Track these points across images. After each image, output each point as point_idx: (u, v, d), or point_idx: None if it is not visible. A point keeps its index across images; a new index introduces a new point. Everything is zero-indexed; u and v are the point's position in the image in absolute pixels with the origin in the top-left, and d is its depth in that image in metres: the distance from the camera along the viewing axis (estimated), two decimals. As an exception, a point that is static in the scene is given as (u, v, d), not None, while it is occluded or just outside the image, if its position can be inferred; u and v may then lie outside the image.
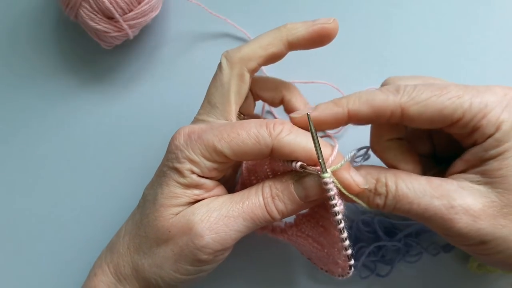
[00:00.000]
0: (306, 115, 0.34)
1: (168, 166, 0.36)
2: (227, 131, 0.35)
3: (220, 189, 0.37)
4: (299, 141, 0.34)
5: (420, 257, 0.45)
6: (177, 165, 0.36)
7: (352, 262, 0.35)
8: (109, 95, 0.50)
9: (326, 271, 0.40)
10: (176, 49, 0.50)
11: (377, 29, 0.48)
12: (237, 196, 0.36)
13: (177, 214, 0.36)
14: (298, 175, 0.35)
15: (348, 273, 0.36)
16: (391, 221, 0.45)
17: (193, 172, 0.35)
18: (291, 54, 0.48)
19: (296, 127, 0.35)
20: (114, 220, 0.43)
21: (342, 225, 0.34)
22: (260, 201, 0.35)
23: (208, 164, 0.35)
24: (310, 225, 0.39)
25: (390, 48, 0.48)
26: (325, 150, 0.34)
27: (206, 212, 0.35)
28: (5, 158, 0.49)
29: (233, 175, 0.42)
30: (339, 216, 0.34)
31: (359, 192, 0.35)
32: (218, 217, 0.35)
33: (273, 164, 0.37)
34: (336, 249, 0.37)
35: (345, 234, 0.34)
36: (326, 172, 0.33)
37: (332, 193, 0.33)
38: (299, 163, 0.34)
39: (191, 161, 0.35)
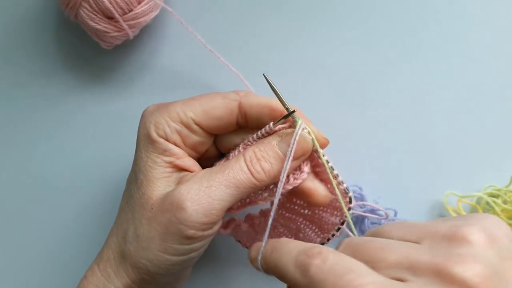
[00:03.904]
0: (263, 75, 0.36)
1: (138, 139, 0.37)
2: (194, 97, 0.38)
3: (191, 161, 0.38)
4: (265, 96, 0.36)
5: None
6: (144, 131, 0.37)
7: (351, 193, 0.36)
8: (109, 95, 0.50)
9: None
10: (176, 49, 0.49)
11: (377, 30, 0.48)
12: (217, 167, 0.36)
13: (159, 189, 0.36)
14: (279, 136, 0.36)
15: (350, 209, 0.37)
16: None
17: (159, 135, 0.36)
18: (289, 56, 0.48)
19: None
20: (114, 220, 0.43)
21: (330, 164, 0.36)
22: (242, 165, 0.35)
23: (173, 124, 0.36)
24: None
25: (390, 48, 0.48)
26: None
27: (186, 186, 0.34)
28: (5, 158, 0.50)
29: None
30: (326, 157, 0.36)
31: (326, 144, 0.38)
32: (199, 188, 0.34)
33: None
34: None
35: (336, 171, 0.36)
36: (299, 119, 0.35)
37: (312, 136, 0.35)
38: (271, 123, 0.36)
39: (156, 123, 0.36)
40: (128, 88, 0.50)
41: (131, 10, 0.44)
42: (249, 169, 0.35)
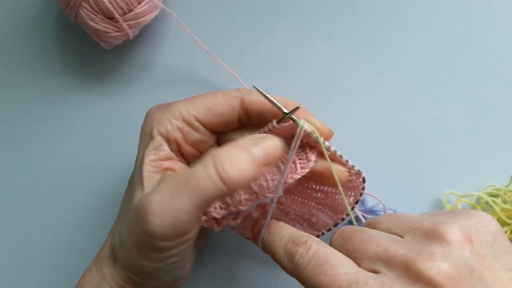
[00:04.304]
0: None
1: (140, 137, 0.38)
2: (197, 95, 0.38)
3: (178, 163, 0.37)
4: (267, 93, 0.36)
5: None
6: (146, 129, 0.37)
7: (364, 174, 0.38)
8: (109, 95, 0.50)
9: (328, 230, 0.42)
10: (176, 49, 0.50)
11: (378, 29, 0.48)
12: (182, 173, 0.32)
13: (140, 189, 0.35)
14: (254, 140, 0.32)
15: (363, 188, 0.38)
16: None
17: (159, 132, 0.36)
18: (287, 57, 0.48)
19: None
20: (115, 220, 0.43)
21: (339, 152, 0.36)
22: (208, 171, 0.30)
23: (174, 122, 0.36)
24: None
25: (390, 47, 0.48)
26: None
27: (148, 197, 0.31)
28: (5, 158, 0.50)
29: None
30: (333, 148, 0.36)
31: (330, 135, 0.37)
32: (161, 199, 0.31)
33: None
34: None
35: (345, 158, 0.37)
36: (299, 119, 0.35)
37: (311, 132, 0.35)
38: (274, 121, 0.35)
39: (158, 121, 0.36)
40: (128, 88, 0.50)
41: (131, 10, 0.45)
42: (217, 175, 0.30)
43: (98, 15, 0.44)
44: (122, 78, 0.50)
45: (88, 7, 0.44)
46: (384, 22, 0.48)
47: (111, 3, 0.43)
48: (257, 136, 0.33)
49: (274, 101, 0.35)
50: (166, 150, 0.36)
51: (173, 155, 0.37)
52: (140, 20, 0.45)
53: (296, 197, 0.42)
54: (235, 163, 0.30)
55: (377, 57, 0.48)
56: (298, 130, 0.35)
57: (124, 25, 0.45)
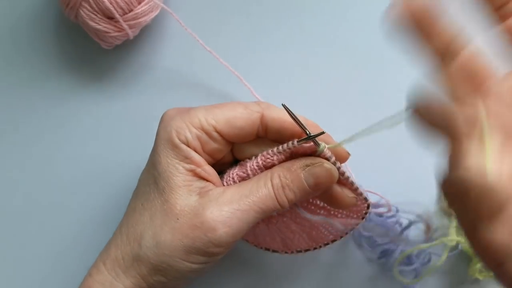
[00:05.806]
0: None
1: (157, 142, 0.37)
2: (216, 105, 0.38)
3: (211, 169, 0.38)
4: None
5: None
6: (165, 136, 0.37)
7: (370, 201, 0.39)
8: (109, 95, 0.50)
9: (325, 245, 0.43)
10: (177, 49, 0.50)
11: (377, 32, 0.48)
12: (245, 188, 0.36)
13: (182, 198, 0.36)
14: (306, 165, 0.36)
15: (366, 213, 0.40)
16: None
17: (181, 141, 0.36)
18: (289, 57, 0.48)
19: None
20: (115, 220, 0.43)
21: (351, 178, 0.37)
22: (270, 192, 0.36)
23: (194, 130, 0.36)
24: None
25: (391, 48, 0.48)
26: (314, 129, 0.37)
27: (216, 206, 0.35)
28: (5, 157, 0.50)
29: None
30: (346, 173, 0.37)
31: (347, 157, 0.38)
32: (230, 211, 0.35)
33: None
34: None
35: (356, 184, 0.38)
36: (320, 144, 0.36)
37: (330, 156, 0.36)
38: (295, 140, 0.36)
39: (177, 128, 0.36)
40: (128, 88, 0.50)
41: (131, 10, 0.45)
42: (275, 196, 0.36)
43: (98, 15, 0.44)
44: (122, 78, 0.50)
45: (88, 7, 0.44)
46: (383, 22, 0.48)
47: (111, 3, 0.43)
48: (312, 161, 0.36)
49: (301, 123, 0.36)
50: (195, 156, 0.37)
51: (203, 160, 0.37)
52: (140, 20, 0.45)
53: (299, 211, 0.42)
54: (289, 189, 0.36)
55: (377, 57, 0.48)
56: (318, 154, 0.36)
57: (124, 25, 0.45)
